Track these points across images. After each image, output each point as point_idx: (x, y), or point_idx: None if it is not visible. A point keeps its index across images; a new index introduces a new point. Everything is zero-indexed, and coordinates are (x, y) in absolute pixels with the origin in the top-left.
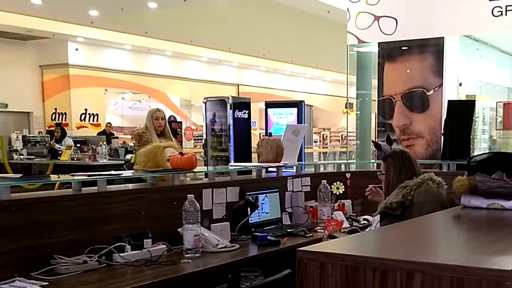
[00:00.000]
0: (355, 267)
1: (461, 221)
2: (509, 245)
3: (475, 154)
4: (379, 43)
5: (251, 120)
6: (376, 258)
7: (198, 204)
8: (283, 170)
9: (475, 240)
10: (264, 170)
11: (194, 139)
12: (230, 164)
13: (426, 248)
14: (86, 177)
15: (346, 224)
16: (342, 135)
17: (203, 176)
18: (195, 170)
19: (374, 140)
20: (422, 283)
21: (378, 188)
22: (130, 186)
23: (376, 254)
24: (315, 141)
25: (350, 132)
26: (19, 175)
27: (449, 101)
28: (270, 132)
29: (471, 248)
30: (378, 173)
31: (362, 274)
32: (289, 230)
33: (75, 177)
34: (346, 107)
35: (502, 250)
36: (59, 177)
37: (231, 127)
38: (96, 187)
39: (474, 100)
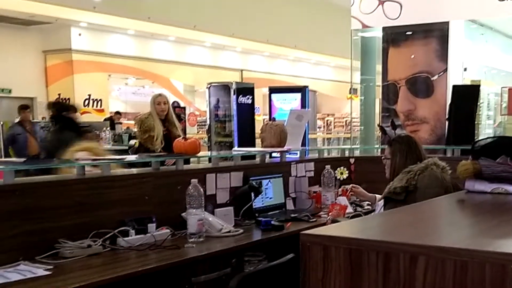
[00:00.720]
0: (359, 250)
1: (465, 205)
2: None
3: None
4: (383, 28)
5: (255, 106)
6: (379, 241)
7: (201, 189)
8: (286, 155)
9: (479, 224)
10: (268, 155)
11: (197, 125)
12: (233, 149)
13: (430, 231)
14: (89, 162)
15: (349, 209)
16: (346, 121)
17: (207, 161)
18: (198, 155)
19: (380, 124)
20: (426, 266)
21: (355, 187)
22: (134, 170)
23: (380, 237)
24: (319, 127)
25: (354, 118)
26: (22, 159)
27: (453, 86)
28: (273, 117)
29: (475, 232)
30: (382, 157)
31: (366, 257)
32: (292, 215)
33: (79, 161)
34: (350, 93)
35: (506, 233)
36: (62, 161)
37: (235, 113)
38: (99, 172)
39: (479, 85)
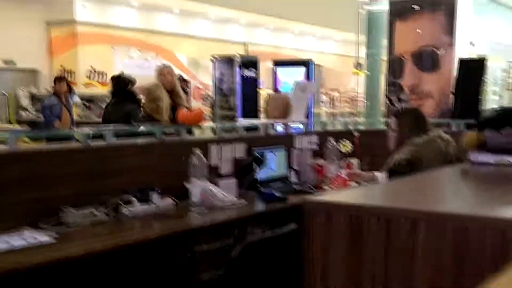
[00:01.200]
0: (360, 216)
1: (468, 175)
2: None
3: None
4: (390, 1)
5: (259, 80)
6: (380, 207)
7: (205, 159)
8: (290, 127)
9: (482, 193)
10: (271, 127)
11: (201, 99)
12: (237, 118)
13: (432, 199)
14: (94, 131)
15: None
16: (351, 96)
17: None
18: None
19: (387, 95)
20: (426, 232)
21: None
22: (138, 140)
23: (381, 203)
24: (323, 102)
25: (359, 93)
26: (27, 128)
27: (460, 60)
28: (278, 89)
29: (477, 200)
30: (387, 129)
31: (367, 223)
32: (295, 187)
33: (83, 130)
34: (356, 67)
35: (508, 201)
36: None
37: (239, 86)
38: (104, 141)
39: (486, 59)
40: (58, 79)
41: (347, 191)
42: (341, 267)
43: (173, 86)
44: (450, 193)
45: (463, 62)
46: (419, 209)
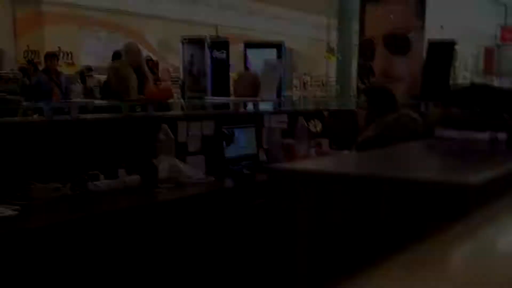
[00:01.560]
0: (326, 182)
1: (433, 149)
2: (477, 167)
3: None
4: None
5: (231, 63)
6: (345, 173)
7: (172, 135)
8: (260, 106)
9: (445, 164)
10: (241, 106)
11: (171, 80)
12: (206, 97)
13: (397, 167)
14: (58, 104)
15: None
16: (322, 80)
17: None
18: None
19: (359, 75)
20: (390, 197)
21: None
22: (104, 115)
23: (345, 170)
24: (295, 86)
25: (330, 77)
26: None
27: (429, 41)
28: (247, 67)
29: (440, 169)
30: (358, 107)
31: (332, 189)
32: (264, 166)
33: (48, 104)
34: (327, 52)
35: (469, 169)
36: (32, 102)
37: (209, 68)
38: (69, 116)
39: (455, 41)
40: (50, 55)
41: (312, 161)
42: (307, 233)
43: (139, 65)
44: (415, 163)
45: (432, 44)
46: (384, 175)
